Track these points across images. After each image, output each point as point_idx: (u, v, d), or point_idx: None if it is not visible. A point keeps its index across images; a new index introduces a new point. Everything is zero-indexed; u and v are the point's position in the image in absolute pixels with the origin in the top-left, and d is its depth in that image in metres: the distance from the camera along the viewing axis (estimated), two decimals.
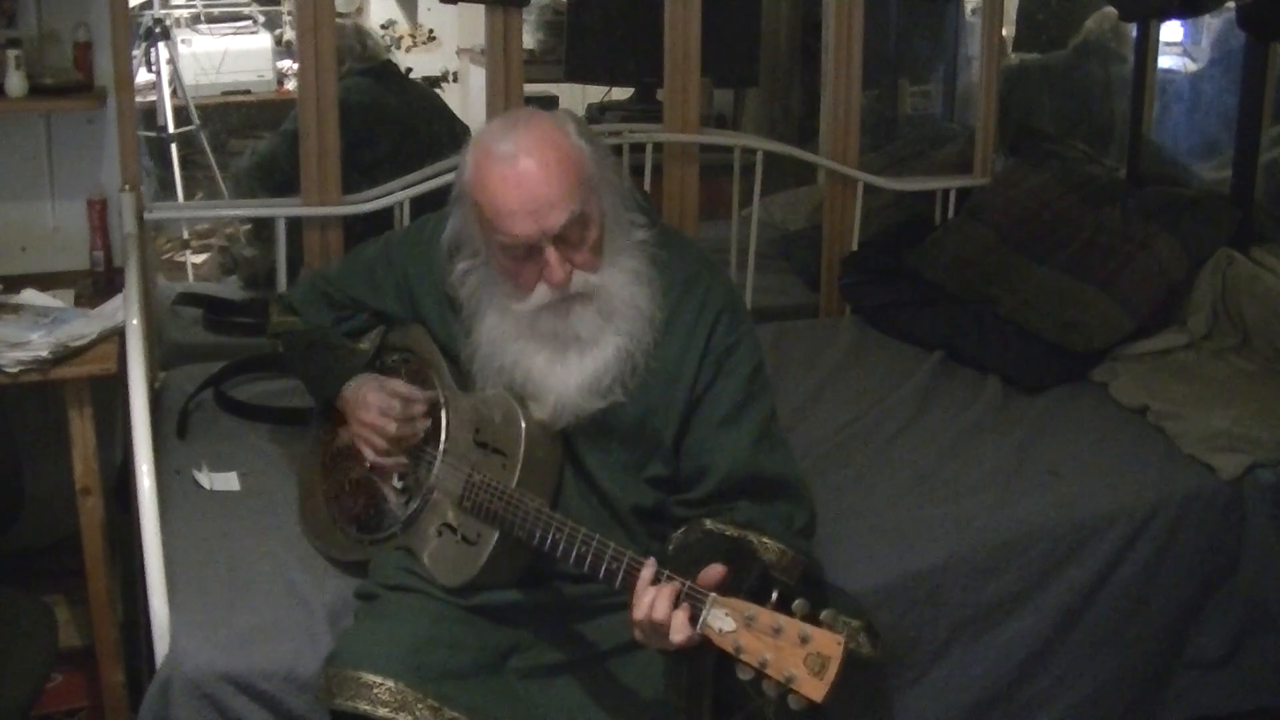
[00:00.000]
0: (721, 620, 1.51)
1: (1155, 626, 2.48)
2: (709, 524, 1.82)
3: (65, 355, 2.30)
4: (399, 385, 1.95)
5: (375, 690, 1.71)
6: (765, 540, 1.80)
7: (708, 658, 1.60)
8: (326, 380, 2.04)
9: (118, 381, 2.32)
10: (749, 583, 1.72)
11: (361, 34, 3.99)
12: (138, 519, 2.03)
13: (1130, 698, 2.49)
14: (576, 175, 1.74)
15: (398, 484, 1.97)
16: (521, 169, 1.72)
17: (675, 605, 1.55)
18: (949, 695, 2.30)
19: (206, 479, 2.31)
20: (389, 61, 3.98)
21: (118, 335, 2.37)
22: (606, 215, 1.80)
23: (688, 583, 1.56)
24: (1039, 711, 2.40)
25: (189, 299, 3.49)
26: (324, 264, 2.93)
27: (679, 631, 1.54)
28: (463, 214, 1.83)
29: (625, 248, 1.83)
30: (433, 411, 1.96)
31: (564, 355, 1.80)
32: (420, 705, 1.71)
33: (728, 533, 1.80)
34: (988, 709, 2.34)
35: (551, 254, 1.74)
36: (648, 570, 1.59)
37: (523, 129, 1.75)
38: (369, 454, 1.95)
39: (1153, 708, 2.54)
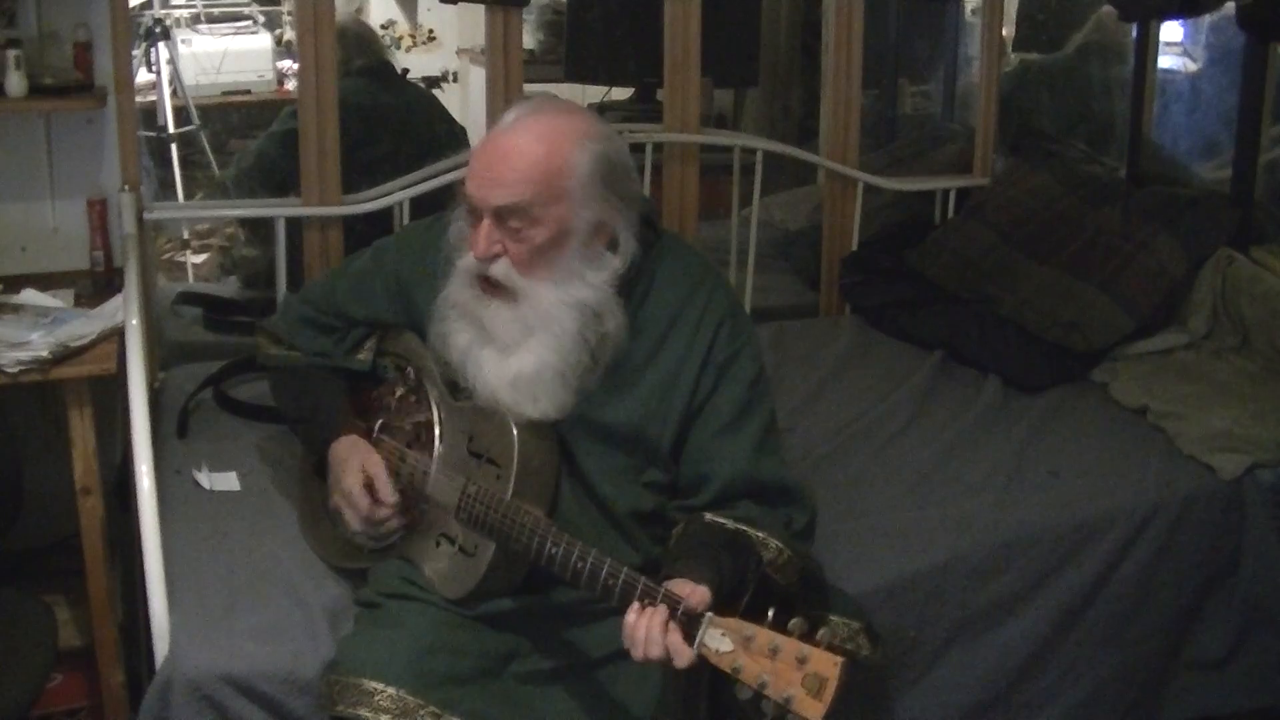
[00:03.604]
0: (719, 640, 1.51)
1: (1155, 626, 2.48)
2: (708, 517, 1.82)
3: (65, 355, 2.30)
4: (376, 470, 1.90)
5: (377, 698, 1.70)
6: (763, 536, 1.80)
7: (703, 670, 1.59)
8: (311, 441, 2.06)
9: (118, 381, 2.31)
10: (748, 577, 1.73)
11: (371, 35, 4.01)
12: (138, 519, 2.03)
13: (1130, 698, 2.49)
14: (546, 176, 1.72)
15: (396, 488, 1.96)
16: (502, 141, 1.75)
17: (667, 629, 1.54)
18: (949, 695, 2.30)
19: (206, 479, 2.31)
20: (387, 62, 3.98)
21: (118, 335, 2.37)
22: (572, 236, 1.76)
23: (681, 605, 1.55)
24: (1039, 711, 2.40)
25: (189, 299, 3.49)
26: (324, 265, 2.93)
27: (680, 658, 1.54)
28: None
29: (583, 277, 1.78)
30: (425, 412, 1.95)
31: (481, 347, 1.81)
32: (422, 712, 1.70)
33: (727, 525, 1.80)
34: (988, 709, 2.34)
35: (483, 225, 1.76)
36: (632, 613, 1.58)
37: (542, 113, 1.78)
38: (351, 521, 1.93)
39: (1153, 708, 2.54)
